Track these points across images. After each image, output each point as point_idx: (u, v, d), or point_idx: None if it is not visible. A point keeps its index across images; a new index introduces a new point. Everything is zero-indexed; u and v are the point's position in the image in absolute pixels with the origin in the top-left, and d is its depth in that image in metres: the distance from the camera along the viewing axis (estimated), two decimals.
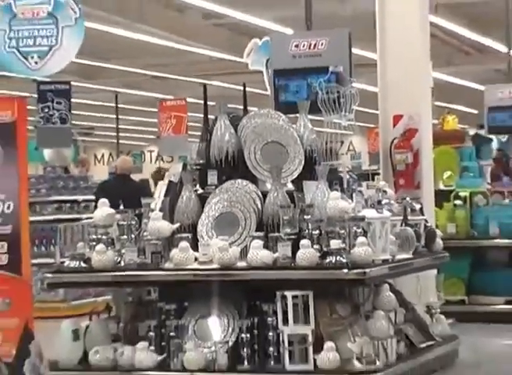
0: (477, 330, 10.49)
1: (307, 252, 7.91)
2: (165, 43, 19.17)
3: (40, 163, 16.07)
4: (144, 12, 17.05)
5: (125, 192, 12.28)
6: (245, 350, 7.93)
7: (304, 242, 7.96)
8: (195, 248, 8.26)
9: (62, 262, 9.79)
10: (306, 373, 7.79)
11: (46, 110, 12.64)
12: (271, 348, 7.89)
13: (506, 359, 8.67)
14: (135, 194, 12.82)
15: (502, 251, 11.79)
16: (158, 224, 8.33)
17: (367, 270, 7.90)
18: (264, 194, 8.36)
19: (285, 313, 7.84)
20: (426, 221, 9.60)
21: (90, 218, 9.99)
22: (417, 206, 9.59)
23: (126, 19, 16.98)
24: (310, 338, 7.79)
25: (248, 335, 7.95)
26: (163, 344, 8.17)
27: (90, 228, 9.50)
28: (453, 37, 19.35)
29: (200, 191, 8.72)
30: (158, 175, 18.10)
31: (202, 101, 9.99)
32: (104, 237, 8.72)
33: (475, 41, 19.96)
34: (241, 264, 8.08)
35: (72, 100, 13.69)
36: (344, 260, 7.85)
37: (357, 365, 7.75)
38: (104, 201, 8.88)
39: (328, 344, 7.74)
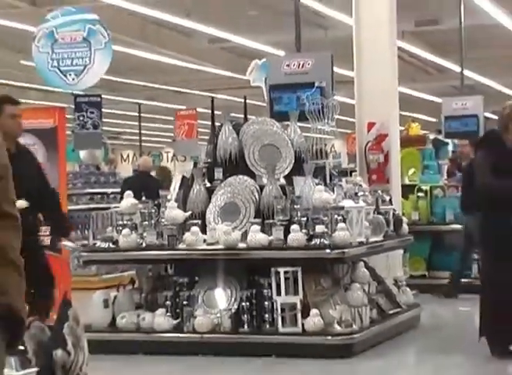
0: (435, 299, 10.49)
1: (297, 235, 7.93)
2: (178, 63, 19.20)
3: (77, 162, 16.03)
4: (160, 37, 17.06)
5: (146, 186, 12.22)
6: (245, 316, 7.95)
7: (294, 227, 7.97)
8: (204, 231, 8.28)
9: (95, 244, 9.78)
10: (295, 335, 7.81)
11: (81, 118, 12.61)
12: (266, 315, 7.90)
13: (459, 322, 8.69)
14: (154, 187, 12.88)
15: (456, 235, 11.79)
16: (173, 212, 8.34)
17: (345, 250, 7.92)
18: (261, 188, 8.33)
19: (278, 286, 7.84)
20: (394, 210, 9.60)
21: (118, 207, 9.98)
22: (387, 198, 9.59)
23: (146, 43, 17.00)
24: (298, 306, 7.80)
25: (248, 304, 7.96)
26: (177, 311, 8.18)
27: (117, 215, 9.57)
28: (417, 59, 19.34)
29: (208, 184, 8.71)
30: (163, 171, 18.05)
31: (210, 111, 10.00)
32: (129, 222, 8.73)
33: (435, 62, 19.97)
34: (242, 245, 8.08)
35: (103, 110, 13.63)
36: (327, 242, 7.88)
37: (337, 328, 7.76)
38: (129, 193, 8.88)
39: (314, 311, 7.76)
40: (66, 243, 8.38)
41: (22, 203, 5.43)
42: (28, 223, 5.75)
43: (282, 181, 8.42)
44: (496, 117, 8.90)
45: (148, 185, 13.00)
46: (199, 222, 8.35)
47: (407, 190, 11.82)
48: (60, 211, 7.73)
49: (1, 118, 6.80)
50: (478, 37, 16.83)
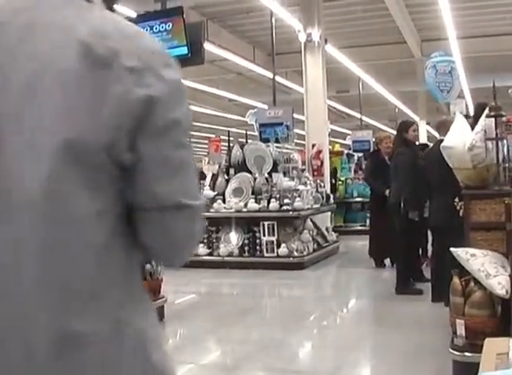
0: (349, 238, 10.48)
1: (274, 205, 7.91)
2: (211, 112, 19.22)
3: None
4: (204, 98, 16.98)
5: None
6: (246, 247, 7.94)
7: (273, 200, 7.96)
8: (224, 202, 8.24)
9: None
10: (273, 257, 7.77)
11: None
12: (257, 247, 7.90)
13: (359, 250, 8.71)
14: (200, 179, 12.78)
15: (358, 204, 11.83)
16: (207, 192, 8.31)
17: (300, 212, 7.93)
18: (255, 179, 8.32)
19: (264, 231, 7.84)
20: (326, 191, 9.61)
21: None
22: (322, 184, 9.60)
23: (195, 102, 16.91)
24: (275, 242, 7.80)
25: (247, 241, 7.96)
26: (210, 244, 8.17)
27: None
28: (337, 110, 19.29)
29: (226, 177, 8.68)
30: (202, 172, 17.96)
31: (227, 138, 10.00)
32: None
33: (346, 112, 19.95)
34: (244, 210, 8.07)
35: None
36: (290, 208, 7.87)
37: (295, 253, 7.76)
38: None
39: (283, 245, 7.76)
40: None
41: None
42: None
43: (267, 175, 8.41)
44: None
45: (199, 178, 13.01)
46: (221, 197, 8.31)
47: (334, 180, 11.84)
48: None
49: None
50: (368, 99, 16.82)
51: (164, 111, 0.90)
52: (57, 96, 0.86)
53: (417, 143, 7.17)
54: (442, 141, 5.09)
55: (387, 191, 6.39)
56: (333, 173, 11.98)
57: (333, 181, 11.71)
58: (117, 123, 0.87)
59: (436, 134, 6.19)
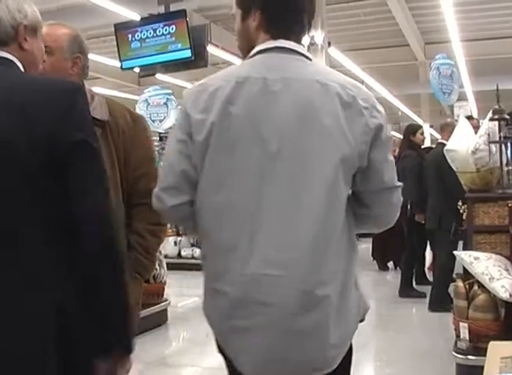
0: None
1: None
2: None
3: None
4: None
5: None
6: None
7: None
8: None
9: None
10: None
11: (162, 146, 12.58)
12: None
13: (364, 253, 8.64)
14: None
15: None
16: None
17: None
18: None
19: None
20: None
21: None
22: None
23: None
24: None
25: None
26: None
27: None
28: None
29: None
30: None
31: None
32: None
33: None
34: None
35: None
36: None
37: None
38: None
39: None
40: None
41: None
42: None
43: None
44: None
45: None
46: None
47: None
48: None
49: None
50: None
51: (385, 131, 1.48)
52: (331, 126, 1.42)
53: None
54: (441, 143, 5.13)
55: None
56: None
57: None
58: (364, 139, 1.45)
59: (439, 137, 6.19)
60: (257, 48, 1.51)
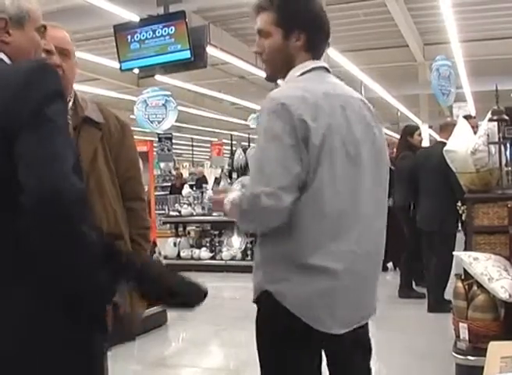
0: None
1: None
2: (214, 116, 19.21)
3: (159, 169, 16.01)
4: (205, 102, 17.01)
5: (198, 183, 12.29)
6: (249, 252, 7.93)
7: None
8: None
9: (169, 213, 9.77)
10: None
11: (161, 147, 12.60)
12: None
13: None
14: (202, 183, 12.84)
15: None
16: (210, 194, 8.34)
17: None
18: None
19: None
20: None
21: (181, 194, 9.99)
22: None
23: (196, 106, 16.93)
24: None
25: (250, 245, 7.95)
26: (213, 248, 8.20)
27: (181, 197, 9.55)
28: None
29: (229, 181, 8.70)
30: (203, 176, 17.96)
31: (230, 142, 9.99)
32: (187, 201, 8.74)
33: None
34: None
35: (173, 141, 13.65)
36: None
37: None
38: (187, 186, 8.88)
39: None
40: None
41: None
42: None
43: None
44: None
45: (200, 183, 13.07)
46: None
47: None
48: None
49: None
50: (370, 102, 16.66)
51: (383, 136, 1.84)
52: (378, 136, 1.79)
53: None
54: (440, 143, 5.08)
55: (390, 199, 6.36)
56: None
57: None
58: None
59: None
60: (309, 66, 1.70)
